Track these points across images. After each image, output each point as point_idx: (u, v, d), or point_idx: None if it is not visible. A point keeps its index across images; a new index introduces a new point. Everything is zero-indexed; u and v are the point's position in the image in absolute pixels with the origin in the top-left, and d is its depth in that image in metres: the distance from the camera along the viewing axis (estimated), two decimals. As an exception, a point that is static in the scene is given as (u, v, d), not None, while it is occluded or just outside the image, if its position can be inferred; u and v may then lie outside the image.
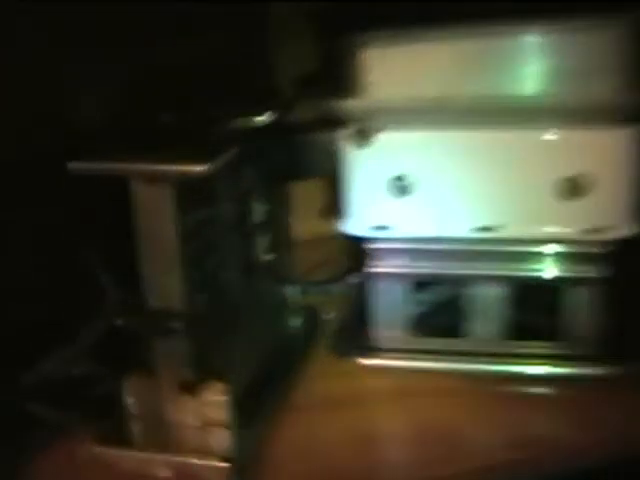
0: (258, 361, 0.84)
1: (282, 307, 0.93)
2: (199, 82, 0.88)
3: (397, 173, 0.81)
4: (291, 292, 0.94)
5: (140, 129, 0.80)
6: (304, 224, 0.98)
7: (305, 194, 0.96)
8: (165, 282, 0.73)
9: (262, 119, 0.82)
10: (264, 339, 0.87)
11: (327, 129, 0.85)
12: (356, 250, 0.87)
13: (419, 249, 0.83)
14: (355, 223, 0.84)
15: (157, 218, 0.71)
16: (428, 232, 0.82)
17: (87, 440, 0.76)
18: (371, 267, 0.85)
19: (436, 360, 0.86)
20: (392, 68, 0.79)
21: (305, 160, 0.88)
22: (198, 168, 0.68)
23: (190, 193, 0.72)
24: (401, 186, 0.81)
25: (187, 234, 0.73)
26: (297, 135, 0.88)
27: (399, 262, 0.84)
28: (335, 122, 0.83)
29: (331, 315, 0.96)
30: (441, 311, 0.86)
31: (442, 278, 0.84)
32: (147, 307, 0.74)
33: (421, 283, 0.85)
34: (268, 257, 0.90)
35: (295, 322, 0.94)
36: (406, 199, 0.81)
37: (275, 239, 0.90)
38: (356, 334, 0.90)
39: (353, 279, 0.97)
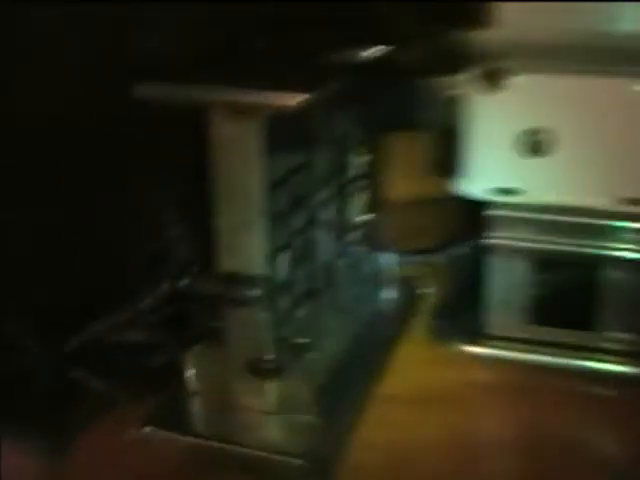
0: (346, 339, 0.71)
1: (375, 277, 0.79)
2: (301, 6, 0.74)
3: (531, 126, 0.66)
4: (386, 260, 0.80)
5: (226, 56, 0.67)
6: (404, 182, 0.84)
7: (407, 147, 0.82)
8: (244, 240, 0.60)
9: (369, 54, 0.68)
10: (354, 314, 0.74)
11: (447, 70, 0.71)
12: (467, 216, 0.73)
13: (549, 220, 0.69)
14: (474, 183, 0.69)
15: (239, 161, 0.59)
16: (562, 201, 0.67)
17: (137, 417, 0.64)
18: (488, 237, 0.71)
19: (558, 355, 0.71)
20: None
21: (416, 106, 0.74)
22: (294, 100, 0.55)
23: (281, 132, 0.59)
24: (535, 142, 0.66)
25: (274, 182, 0.60)
26: (409, 75, 0.74)
27: (523, 234, 0.70)
28: (457, 61, 0.68)
29: (431, 290, 0.82)
30: (568, 297, 0.71)
31: (573, 257, 0.69)
32: (220, 269, 0.61)
33: (547, 261, 0.71)
34: (363, 218, 0.76)
35: (389, 296, 0.81)
36: (539, 159, 0.66)
37: (372, 198, 0.77)
38: (461, 315, 0.76)
39: (460, 249, 0.83)
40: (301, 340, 0.64)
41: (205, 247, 0.61)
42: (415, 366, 0.73)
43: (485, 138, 0.68)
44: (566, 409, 0.67)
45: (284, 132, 0.60)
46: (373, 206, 0.77)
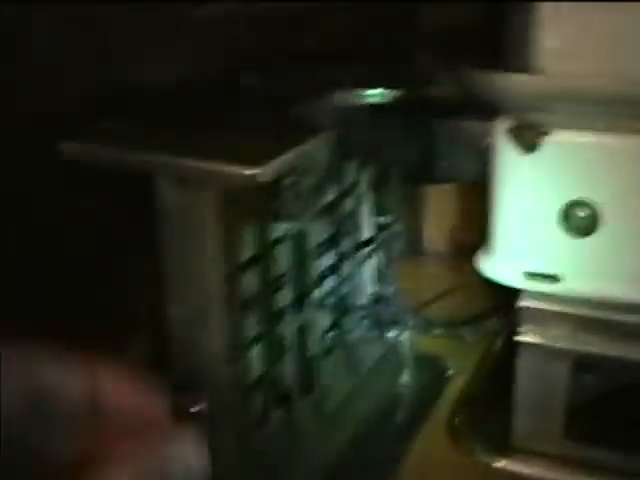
0: (343, 443, 0.59)
1: (388, 356, 0.66)
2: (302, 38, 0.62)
3: (575, 197, 0.52)
4: (403, 337, 0.66)
5: (197, 97, 0.55)
6: (433, 237, 0.72)
7: (437, 202, 0.69)
8: (200, 334, 0.48)
9: (379, 94, 0.56)
10: (356, 409, 0.61)
11: (476, 116, 0.58)
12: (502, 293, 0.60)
13: (595, 318, 0.55)
14: (502, 265, 0.56)
15: (191, 239, 0.47)
16: (613, 294, 0.53)
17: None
18: (519, 332, 0.57)
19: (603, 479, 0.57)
20: (587, 32, 0.50)
21: (440, 157, 0.62)
22: (246, 171, 0.42)
23: (249, 201, 0.48)
24: (580, 218, 0.52)
25: (243, 263, 0.48)
26: (430, 121, 0.61)
27: (560, 331, 0.55)
28: (489, 108, 0.55)
29: (457, 373, 0.68)
30: (615, 410, 0.57)
31: (621, 363, 0.55)
32: (172, 368, 0.50)
33: (590, 366, 0.57)
34: (375, 290, 0.64)
35: (406, 379, 0.67)
36: (586, 239, 0.52)
37: (388, 262, 0.64)
38: (487, 415, 0.63)
39: (496, 325, 0.69)
40: (276, 453, 0.52)
41: (156, 341, 0.50)
42: (429, 474, 0.60)
43: (518, 207, 0.54)
44: None
45: (254, 201, 0.48)
46: (389, 272, 0.64)
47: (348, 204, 0.59)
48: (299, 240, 0.53)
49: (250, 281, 0.50)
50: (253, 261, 0.50)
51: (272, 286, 0.51)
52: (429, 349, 0.70)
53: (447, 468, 0.60)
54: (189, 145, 0.46)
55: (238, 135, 0.48)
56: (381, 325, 0.63)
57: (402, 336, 0.66)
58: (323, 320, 0.58)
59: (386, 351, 0.64)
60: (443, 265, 0.78)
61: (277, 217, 0.49)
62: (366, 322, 0.63)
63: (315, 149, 0.47)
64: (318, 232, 0.56)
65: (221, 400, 0.49)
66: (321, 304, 0.57)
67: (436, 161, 0.64)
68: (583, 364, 0.56)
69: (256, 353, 0.51)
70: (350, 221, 0.60)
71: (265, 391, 0.52)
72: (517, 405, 0.58)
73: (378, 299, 0.63)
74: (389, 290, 0.64)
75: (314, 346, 0.55)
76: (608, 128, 0.50)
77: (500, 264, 0.56)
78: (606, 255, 0.52)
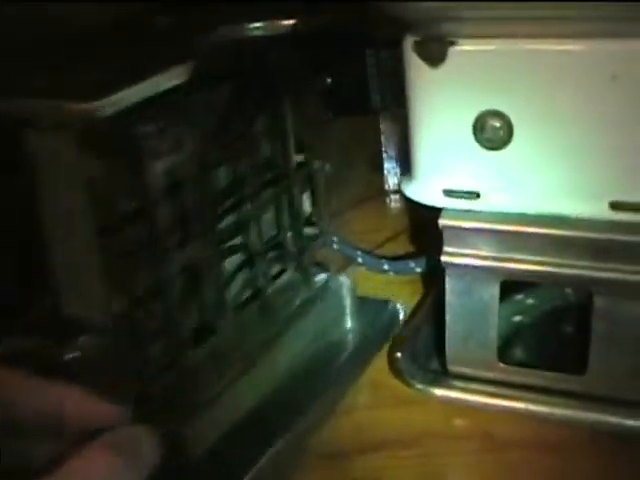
0: (267, 386, 0.56)
1: (322, 299, 0.62)
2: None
3: (487, 108, 0.49)
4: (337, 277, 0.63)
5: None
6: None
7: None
8: (82, 283, 0.46)
9: (270, 26, 0.53)
10: (278, 355, 0.58)
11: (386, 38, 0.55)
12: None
13: (519, 232, 0.52)
14: (421, 185, 0.54)
15: (61, 185, 0.44)
16: (534, 207, 0.51)
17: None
18: (444, 254, 0.54)
19: (537, 402, 0.54)
20: None
21: (348, 87, 0.59)
22: (83, 106, 0.40)
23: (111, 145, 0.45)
24: (493, 129, 0.50)
25: (114, 215, 0.45)
26: (330, 49, 0.58)
27: (487, 249, 0.53)
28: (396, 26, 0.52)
29: (403, 309, 0.65)
30: (548, 329, 0.54)
31: (553, 279, 0.53)
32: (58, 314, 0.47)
33: (520, 285, 0.54)
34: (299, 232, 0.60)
35: (348, 322, 0.64)
36: (501, 152, 0.50)
37: (314, 204, 0.61)
38: (430, 347, 0.60)
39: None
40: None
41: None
42: (369, 409, 0.58)
43: (432, 126, 0.52)
44: (547, 469, 0.51)
45: (117, 143, 0.45)
46: (316, 213, 0.61)
47: (254, 143, 0.55)
48: (192, 183, 0.49)
49: (135, 230, 0.47)
50: (137, 210, 0.47)
51: (163, 234, 0.48)
52: (383, 293, 0.67)
53: (394, 400, 0.58)
54: (56, 85, 0.44)
55: (111, 73, 0.45)
56: (304, 268, 0.60)
57: (335, 280, 0.62)
58: (231, 264, 0.55)
59: (315, 294, 0.61)
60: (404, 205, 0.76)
61: (151, 159, 0.45)
62: (288, 264, 0.60)
63: (167, 80, 0.44)
64: (220, 172, 0.53)
65: (111, 350, 0.47)
66: (225, 248, 0.54)
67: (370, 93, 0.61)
68: (512, 284, 0.54)
69: (153, 302, 0.49)
70: (259, 160, 0.56)
71: (165, 341, 0.49)
72: (449, 330, 0.56)
73: (300, 241, 0.60)
74: (315, 232, 0.60)
75: (218, 290, 0.52)
76: (517, 34, 0.48)
77: (420, 184, 0.54)
78: (523, 167, 0.50)
